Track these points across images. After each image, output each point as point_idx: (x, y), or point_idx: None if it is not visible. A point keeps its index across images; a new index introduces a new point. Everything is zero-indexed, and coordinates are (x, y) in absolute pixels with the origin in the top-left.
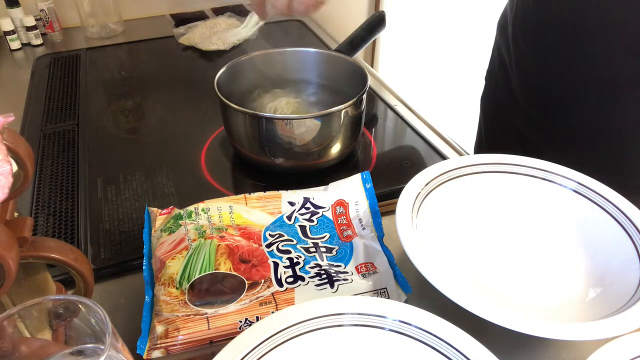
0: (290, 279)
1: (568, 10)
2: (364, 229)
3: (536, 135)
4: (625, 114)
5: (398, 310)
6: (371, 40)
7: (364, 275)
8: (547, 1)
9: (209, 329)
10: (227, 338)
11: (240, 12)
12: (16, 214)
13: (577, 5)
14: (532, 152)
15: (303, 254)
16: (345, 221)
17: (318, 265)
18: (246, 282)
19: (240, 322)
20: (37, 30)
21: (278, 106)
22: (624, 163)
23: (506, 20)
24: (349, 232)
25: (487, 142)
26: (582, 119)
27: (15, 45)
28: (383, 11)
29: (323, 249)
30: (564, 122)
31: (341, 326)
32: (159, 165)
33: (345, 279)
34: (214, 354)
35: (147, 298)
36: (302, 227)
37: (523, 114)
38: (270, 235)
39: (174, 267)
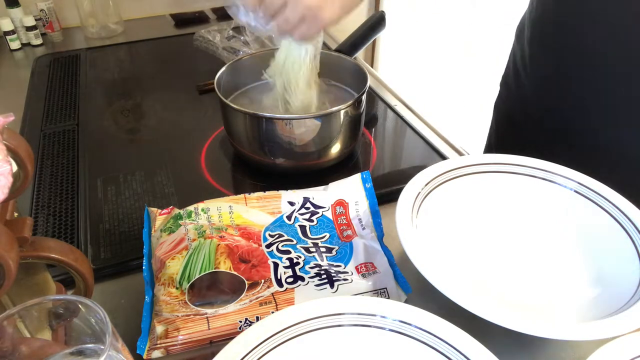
0: (290, 279)
1: (586, 17)
2: (364, 228)
3: (548, 145)
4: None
5: (398, 310)
6: (371, 40)
7: (364, 275)
8: (567, 2)
9: (209, 329)
10: (227, 338)
11: None
12: (16, 214)
13: (595, 11)
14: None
15: (303, 254)
16: (345, 221)
17: (318, 265)
18: (246, 282)
19: (240, 322)
20: (37, 30)
21: (278, 106)
22: None
23: (524, 24)
24: (349, 232)
25: (497, 150)
26: (603, 136)
27: (15, 45)
28: (383, 11)
29: (323, 249)
30: (579, 136)
31: (341, 326)
32: (159, 165)
33: (345, 279)
34: (214, 354)
35: (147, 298)
36: (302, 227)
37: (536, 122)
38: (270, 235)
39: (174, 267)
